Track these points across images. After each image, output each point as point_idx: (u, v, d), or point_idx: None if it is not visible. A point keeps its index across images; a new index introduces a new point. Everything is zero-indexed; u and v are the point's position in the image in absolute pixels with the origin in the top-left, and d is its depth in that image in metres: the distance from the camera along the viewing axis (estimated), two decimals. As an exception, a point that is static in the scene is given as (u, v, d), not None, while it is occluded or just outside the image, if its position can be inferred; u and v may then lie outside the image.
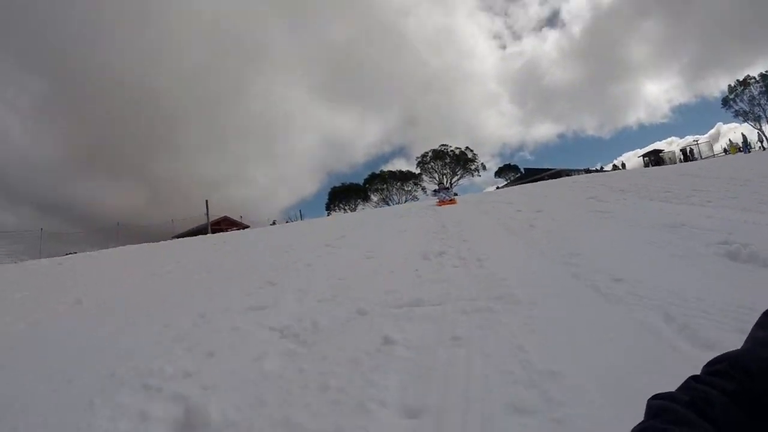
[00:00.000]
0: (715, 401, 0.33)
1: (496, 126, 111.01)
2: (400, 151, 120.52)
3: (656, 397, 0.42)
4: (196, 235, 17.54)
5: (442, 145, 47.29)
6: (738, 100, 44.39)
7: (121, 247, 14.80)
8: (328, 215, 35.45)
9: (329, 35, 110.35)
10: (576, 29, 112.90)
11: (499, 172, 54.53)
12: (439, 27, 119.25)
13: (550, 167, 48.78)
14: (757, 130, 41.90)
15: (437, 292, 3.55)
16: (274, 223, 26.53)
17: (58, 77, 61.86)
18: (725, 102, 45.64)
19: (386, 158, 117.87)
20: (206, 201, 20.82)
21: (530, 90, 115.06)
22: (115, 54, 65.26)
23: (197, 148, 76.98)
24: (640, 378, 1.79)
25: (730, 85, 45.32)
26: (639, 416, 0.42)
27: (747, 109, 43.93)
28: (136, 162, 68.33)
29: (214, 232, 18.63)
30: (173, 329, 3.48)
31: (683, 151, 41.46)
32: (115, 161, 69.27)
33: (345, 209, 40.97)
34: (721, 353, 0.36)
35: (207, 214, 20.36)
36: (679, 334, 2.22)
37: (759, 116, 43.18)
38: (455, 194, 15.86)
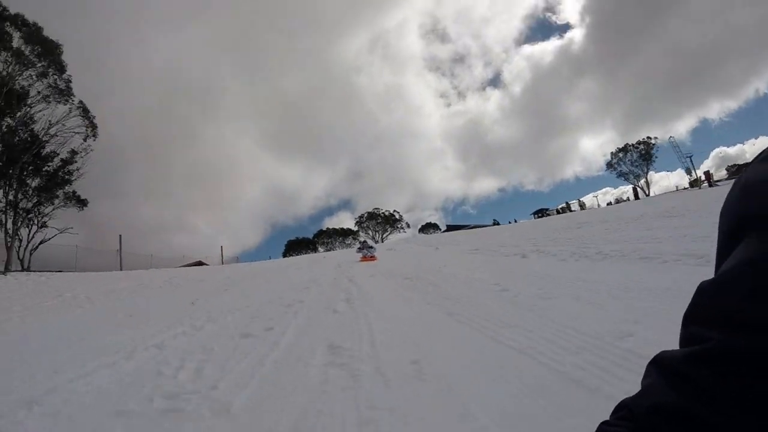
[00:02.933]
0: None
1: (441, 180, 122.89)
2: (345, 204, 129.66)
3: None
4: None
5: (375, 208, 61.54)
6: (621, 163, 53.24)
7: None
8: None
9: (282, 86, 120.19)
10: (517, 89, 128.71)
11: (422, 229, 69.33)
12: (389, 85, 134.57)
13: (467, 224, 63.28)
14: (632, 186, 51.22)
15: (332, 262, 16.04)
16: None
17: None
18: (609, 165, 54.88)
19: (331, 211, 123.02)
20: (221, 246, 32.57)
21: (473, 146, 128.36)
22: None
23: (139, 192, 75.45)
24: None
25: (612, 152, 54.46)
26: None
27: (627, 171, 52.81)
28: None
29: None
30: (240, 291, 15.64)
31: (557, 209, 57.97)
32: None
33: (296, 255, 52.44)
34: (623, 398, 0.41)
35: (221, 254, 32.01)
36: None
37: (638, 174, 52.22)
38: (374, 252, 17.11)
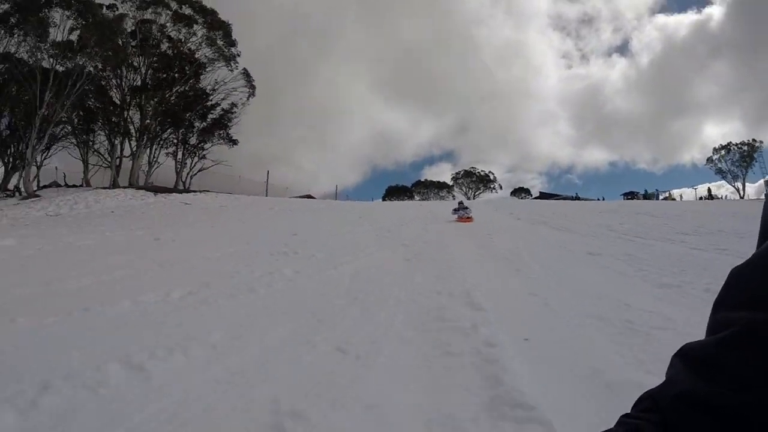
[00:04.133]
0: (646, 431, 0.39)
1: (549, 144, 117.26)
2: (448, 156, 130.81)
3: None
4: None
5: (472, 167, 69.84)
6: (723, 160, 55.00)
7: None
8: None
9: (401, 33, 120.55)
10: (645, 60, 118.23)
11: (514, 192, 76.35)
12: (510, 40, 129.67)
13: (558, 194, 68.13)
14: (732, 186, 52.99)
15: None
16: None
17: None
18: (709, 161, 56.78)
19: (433, 160, 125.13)
20: (336, 186, 43.77)
21: (589, 114, 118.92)
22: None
23: (251, 125, 78.99)
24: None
25: (714, 148, 56.50)
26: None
27: (725, 169, 54.66)
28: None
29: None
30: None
31: (643, 195, 61.38)
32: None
33: (394, 200, 63.39)
34: (646, 391, 0.42)
35: (336, 192, 43.46)
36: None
37: (737, 175, 53.78)
38: (469, 213, 16.94)
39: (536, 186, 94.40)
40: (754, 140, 53.10)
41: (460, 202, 16.50)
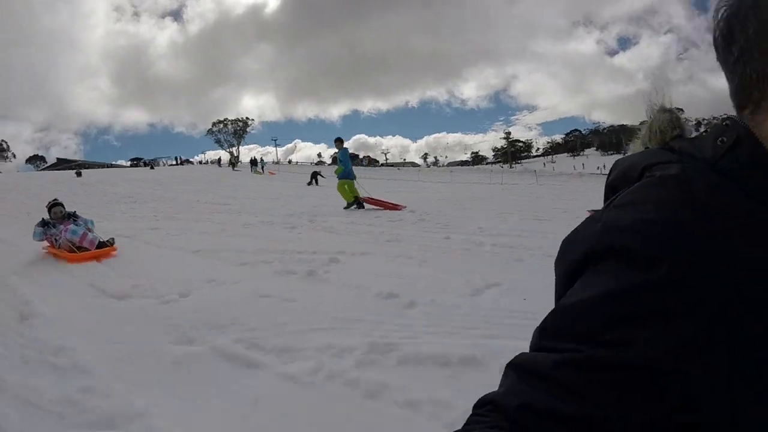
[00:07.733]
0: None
1: (88, 102, 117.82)
2: None
3: None
4: None
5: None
6: (221, 132, 71.33)
7: None
8: None
9: None
10: (195, 28, 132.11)
11: (29, 160, 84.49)
12: None
13: (77, 159, 72.78)
14: (228, 153, 65.41)
15: None
16: None
17: None
18: (209, 132, 72.05)
19: None
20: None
21: (133, 73, 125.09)
22: None
23: None
24: None
25: (213, 122, 72.28)
26: None
27: (223, 140, 70.76)
28: None
29: None
30: None
31: (144, 162, 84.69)
32: None
33: None
34: (485, 394, 0.45)
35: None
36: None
37: (233, 144, 71.58)
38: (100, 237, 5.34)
39: (70, 148, 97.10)
40: (247, 118, 76.50)
41: (55, 200, 5.75)
